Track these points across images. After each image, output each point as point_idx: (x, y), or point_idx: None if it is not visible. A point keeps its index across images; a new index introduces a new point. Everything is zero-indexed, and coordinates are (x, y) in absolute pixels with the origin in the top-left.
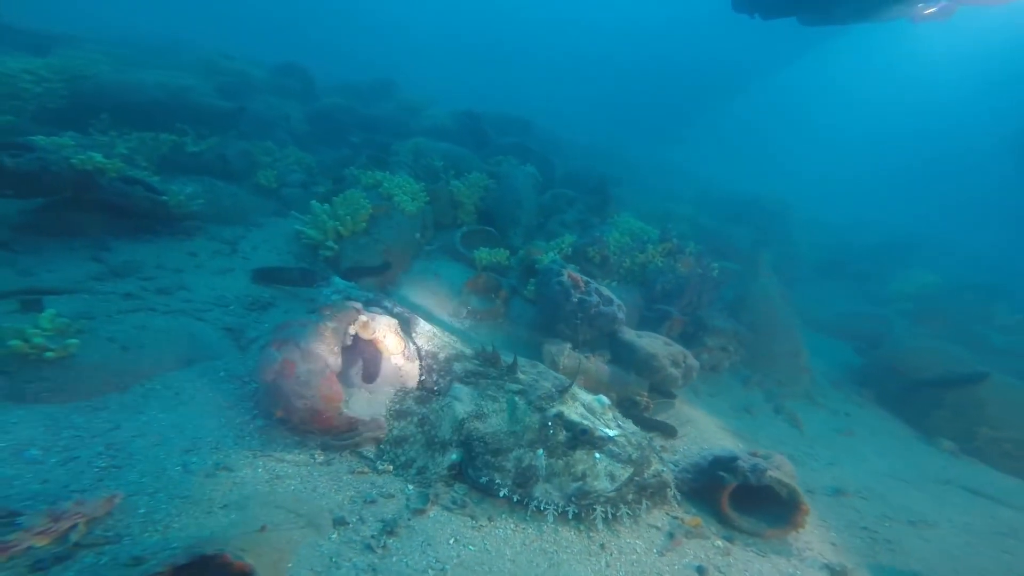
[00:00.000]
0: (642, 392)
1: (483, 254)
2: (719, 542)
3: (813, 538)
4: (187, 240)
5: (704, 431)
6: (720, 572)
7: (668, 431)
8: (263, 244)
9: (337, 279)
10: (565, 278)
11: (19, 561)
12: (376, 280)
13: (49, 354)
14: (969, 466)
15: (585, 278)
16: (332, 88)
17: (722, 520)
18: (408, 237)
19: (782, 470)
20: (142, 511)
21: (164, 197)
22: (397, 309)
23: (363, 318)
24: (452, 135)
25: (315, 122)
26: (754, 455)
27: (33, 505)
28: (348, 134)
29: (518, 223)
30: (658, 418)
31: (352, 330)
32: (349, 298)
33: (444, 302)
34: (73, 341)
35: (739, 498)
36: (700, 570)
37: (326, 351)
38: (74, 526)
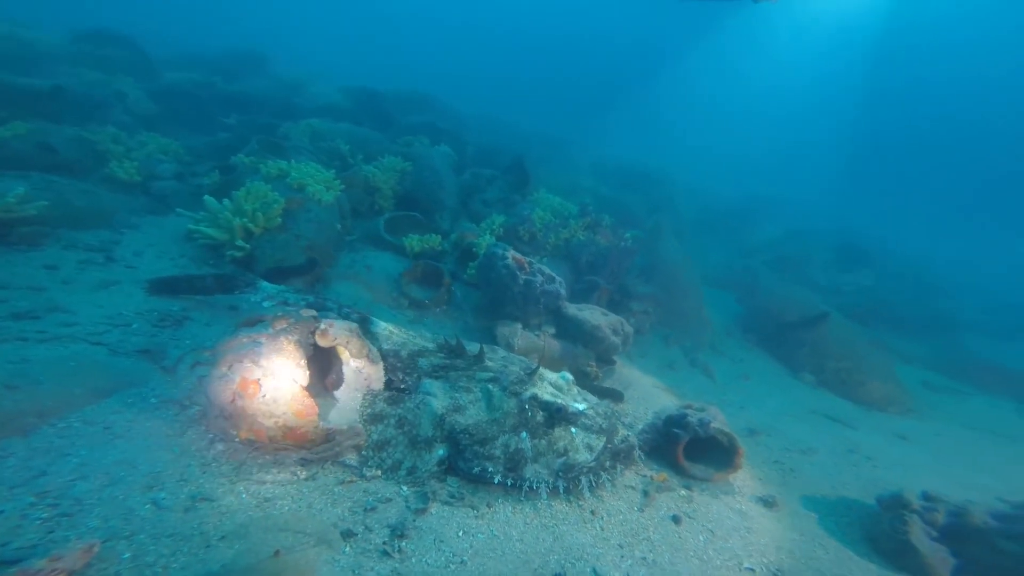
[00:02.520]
0: (591, 362)
1: (414, 241)
2: (683, 491)
3: (745, 475)
4: (32, 251)
5: (644, 391)
6: (690, 518)
7: (617, 396)
8: (148, 249)
9: (265, 284)
10: (510, 261)
11: None
12: (303, 280)
13: None
14: (824, 395)
15: (528, 259)
16: (177, 61)
17: (678, 471)
18: (329, 230)
19: (718, 420)
20: (127, 556)
21: None
22: (345, 310)
23: (321, 326)
24: (348, 114)
25: (165, 101)
26: (689, 408)
27: None
28: (217, 115)
29: (443, 205)
30: (606, 385)
31: (311, 339)
32: (286, 303)
33: (383, 295)
34: None
35: (687, 449)
36: (675, 519)
37: (291, 365)
38: None
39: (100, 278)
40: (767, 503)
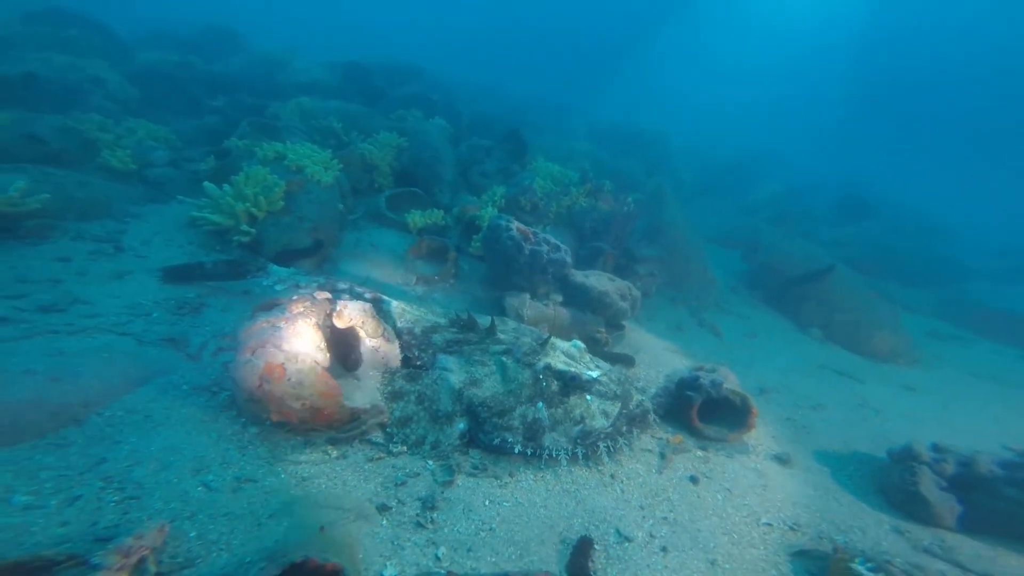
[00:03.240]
0: (600, 329)
1: (416, 216)
2: (699, 452)
3: (759, 434)
4: (43, 244)
5: (654, 355)
6: (707, 477)
7: (628, 361)
8: (154, 237)
9: (275, 267)
10: (515, 232)
11: None
12: (311, 261)
13: None
14: (832, 349)
15: (533, 229)
16: (145, 40)
17: (693, 432)
18: (332, 210)
19: (729, 380)
20: (193, 535)
21: None
22: (358, 289)
23: (337, 308)
24: (335, 91)
25: (145, 85)
26: (700, 369)
27: (74, 547)
28: (201, 97)
29: (441, 180)
30: (616, 350)
31: (328, 321)
32: (298, 286)
33: (390, 272)
34: None
35: (701, 411)
36: (693, 479)
37: (312, 348)
38: (143, 559)
39: (113, 268)
40: (782, 460)
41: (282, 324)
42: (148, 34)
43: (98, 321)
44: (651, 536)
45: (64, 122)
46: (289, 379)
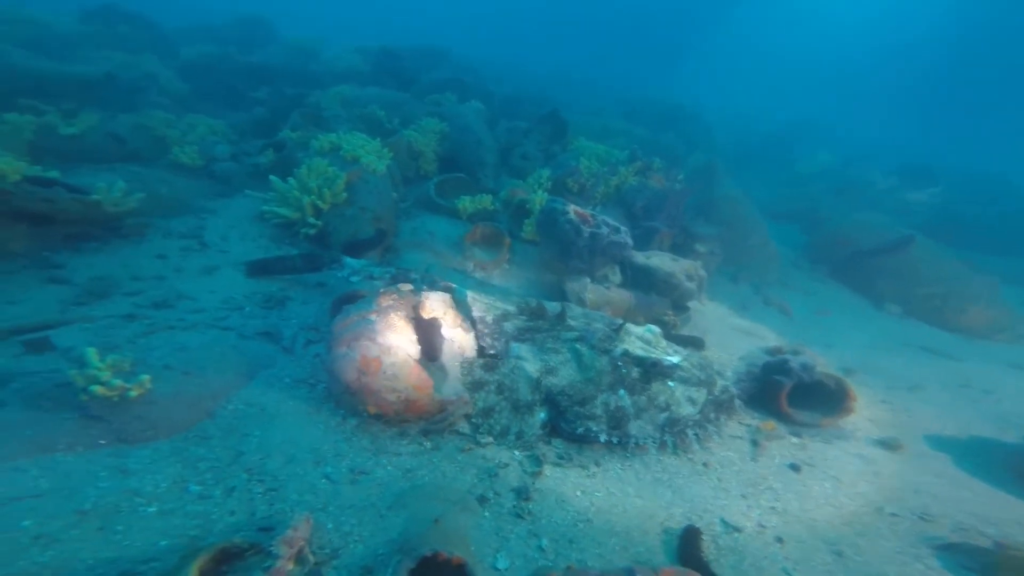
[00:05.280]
0: (668, 311)
1: (466, 202)
2: (794, 439)
3: (855, 419)
4: (142, 242)
5: (723, 336)
6: (809, 465)
7: (698, 344)
8: (230, 232)
9: (349, 260)
10: (572, 215)
11: None
12: (375, 251)
13: (131, 393)
14: (915, 326)
15: (591, 212)
16: (185, 33)
17: (782, 418)
18: (388, 199)
19: (818, 362)
20: (330, 526)
21: (95, 196)
22: (429, 279)
23: (421, 299)
24: (369, 77)
25: (192, 79)
26: (779, 351)
27: (247, 536)
28: (242, 89)
29: (485, 164)
30: (684, 332)
31: (414, 314)
32: (372, 277)
33: (448, 259)
34: (147, 376)
35: (789, 396)
36: (794, 467)
37: (405, 341)
38: (301, 549)
39: (203, 264)
40: (889, 446)
41: (373, 317)
42: (185, 27)
43: (203, 316)
44: (761, 526)
45: (138, 120)
46: (385, 372)
